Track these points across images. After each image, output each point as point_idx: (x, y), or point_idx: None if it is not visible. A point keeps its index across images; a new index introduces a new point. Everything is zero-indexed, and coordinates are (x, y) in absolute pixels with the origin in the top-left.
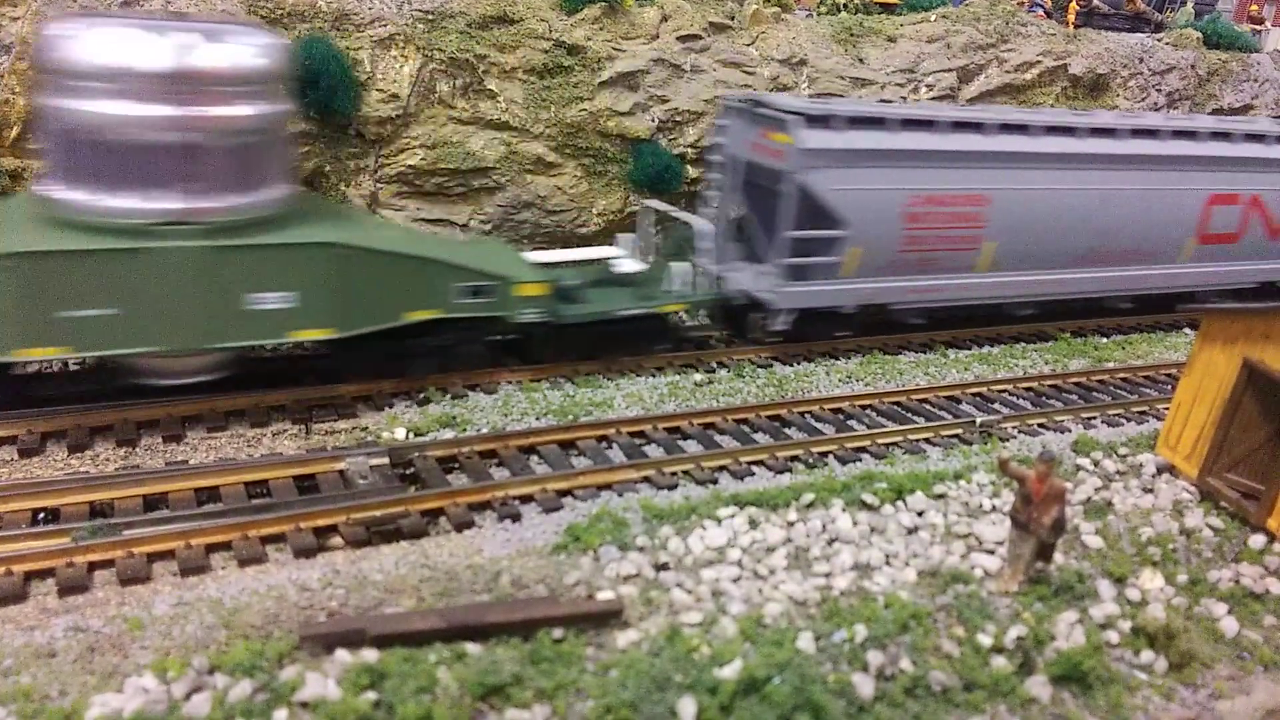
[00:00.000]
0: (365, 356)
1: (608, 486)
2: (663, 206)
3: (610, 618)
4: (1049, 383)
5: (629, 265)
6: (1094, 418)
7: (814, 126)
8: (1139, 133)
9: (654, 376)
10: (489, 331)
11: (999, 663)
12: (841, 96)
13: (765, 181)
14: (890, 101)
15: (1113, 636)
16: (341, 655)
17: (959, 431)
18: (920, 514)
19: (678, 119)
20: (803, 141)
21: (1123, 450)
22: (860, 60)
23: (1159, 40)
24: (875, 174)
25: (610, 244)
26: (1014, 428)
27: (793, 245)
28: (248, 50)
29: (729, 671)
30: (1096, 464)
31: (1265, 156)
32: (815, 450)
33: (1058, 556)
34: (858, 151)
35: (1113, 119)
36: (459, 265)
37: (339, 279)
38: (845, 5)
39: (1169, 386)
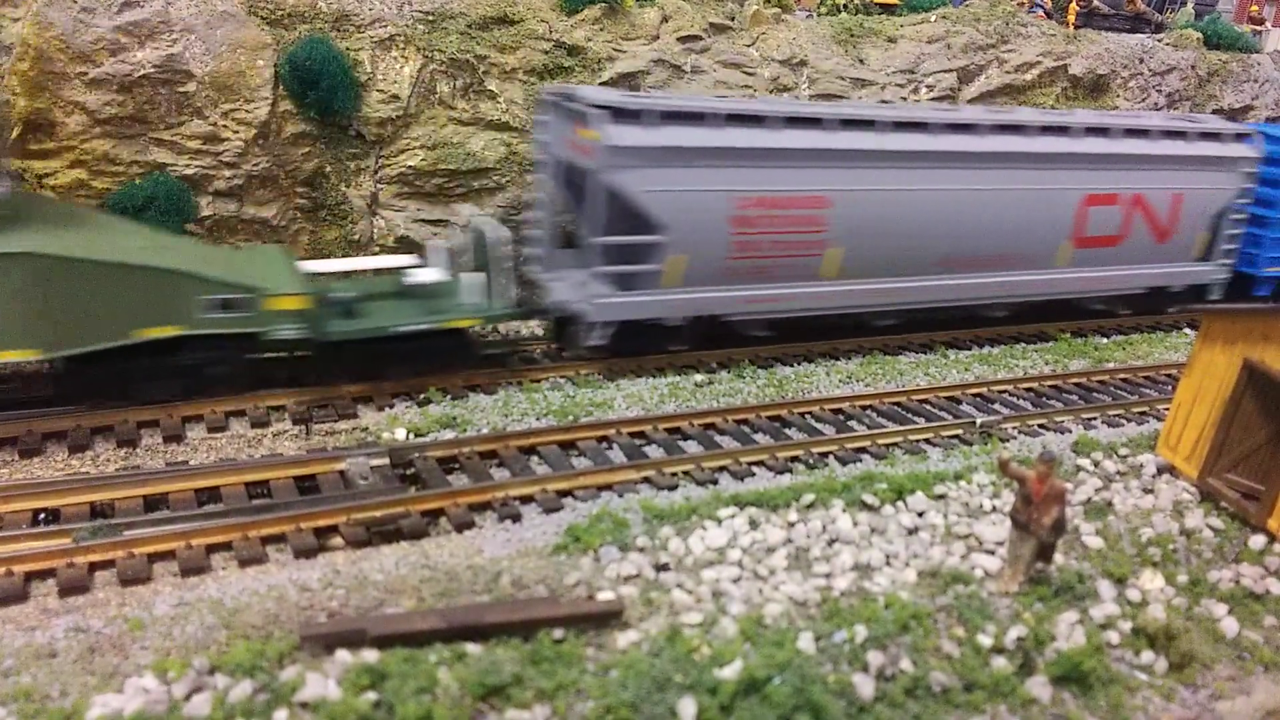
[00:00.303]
0: (94, 378)
1: (608, 487)
2: (469, 211)
3: (610, 618)
4: (1049, 383)
5: (428, 276)
6: (1094, 418)
7: (622, 121)
8: (1002, 128)
9: (654, 377)
10: (245, 350)
11: (999, 663)
12: (845, 97)
13: (580, 182)
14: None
15: (1113, 637)
16: (342, 655)
17: (959, 432)
18: (920, 514)
19: None
20: (609, 138)
21: (1123, 451)
22: (860, 61)
23: (1159, 41)
24: (696, 174)
25: (420, 251)
26: (1014, 428)
27: (604, 252)
28: None
29: (729, 672)
30: (1097, 464)
31: (1147, 153)
32: (815, 451)
33: (1058, 557)
34: (674, 149)
35: (975, 114)
36: (199, 276)
37: (39, 293)
38: (845, 6)
39: (1169, 387)
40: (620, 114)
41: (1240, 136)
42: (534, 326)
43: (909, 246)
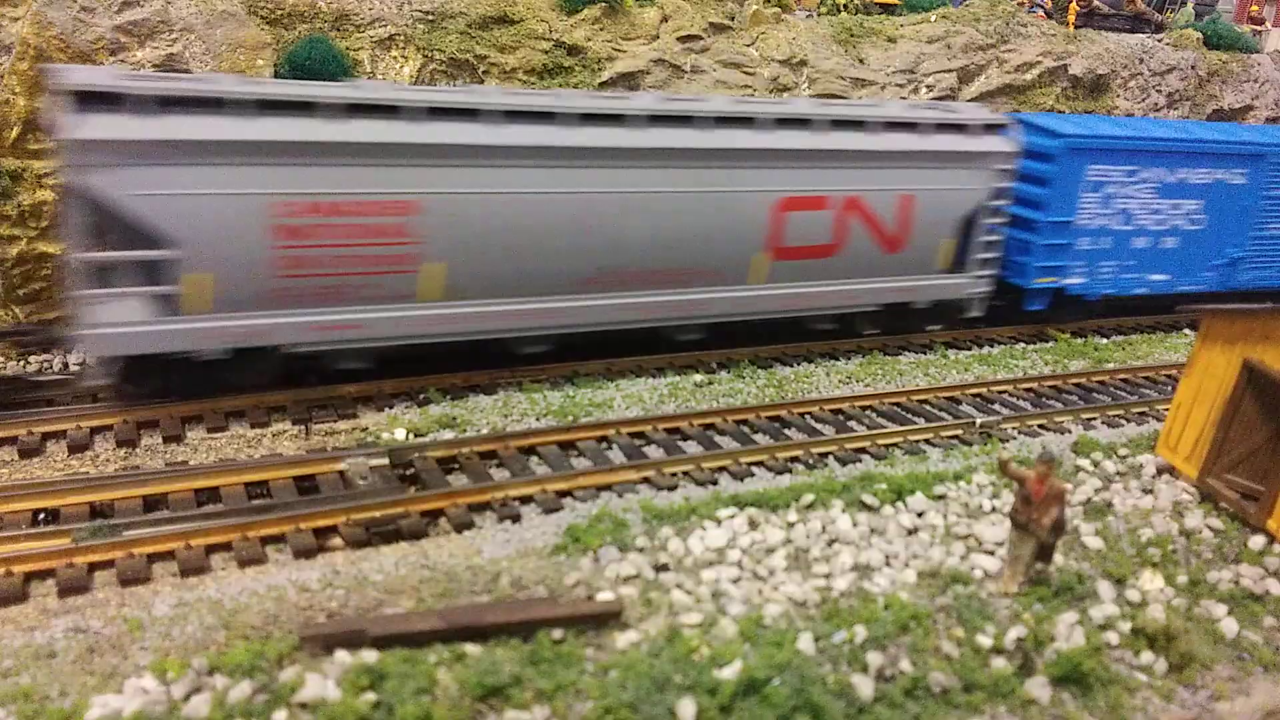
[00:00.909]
0: None
1: (608, 487)
2: None
3: (610, 618)
4: (1049, 383)
5: None
6: (1094, 419)
7: (94, 109)
8: (662, 120)
9: (654, 378)
10: None
11: (999, 664)
12: (845, 97)
13: None
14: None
15: (1112, 637)
16: (341, 656)
17: (959, 432)
18: (920, 515)
19: None
20: (75, 129)
21: (1123, 451)
22: (860, 61)
23: (1159, 41)
24: (214, 174)
25: None
26: (1014, 428)
27: (86, 271)
28: None
29: (729, 672)
30: (1096, 465)
31: (863, 149)
32: (815, 451)
33: (1057, 557)
34: (178, 143)
35: (629, 103)
36: None
37: None
38: (845, 6)
39: (1169, 387)
40: (92, 99)
41: (992, 128)
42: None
43: (543, 261)
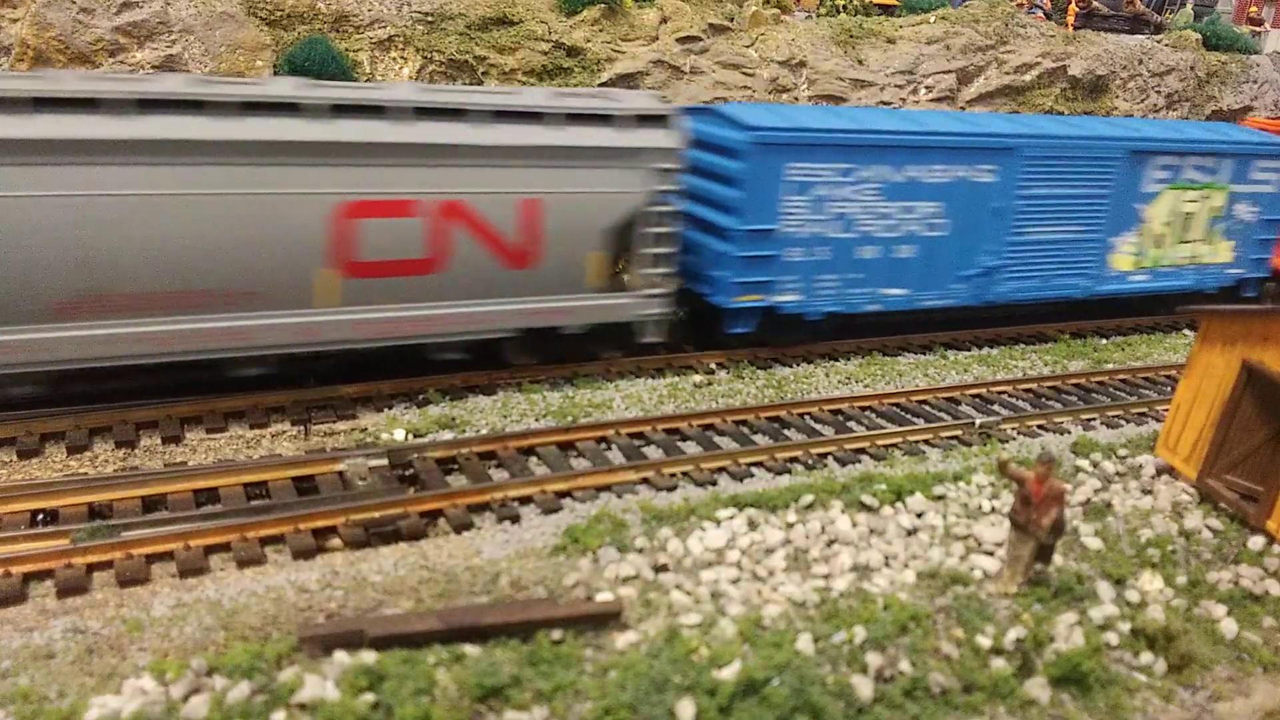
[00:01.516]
0: None
1: (607, 488)
2: None
3: (609, 619)
4: (1048, 384)
5: None
6: (1093, 419)
7: None
8: (155, 106)
9: (653, 378)
10: None
11: (998, 664)
12: (844, 99)
13: None
14: None
15: (1112, 638)
16: (340, 657)
17: (958, 433)
18: (919, 515)
19: None
20: None
21: (1122, 452)
22: (860, 62)
23: (1158, 42)
24: None
25: None
26: (1013, 429)
27: None
28: None
29: (728, 673)
30: (1096, 465)
31: (464, 143)
32: (814, 452)
33: (1057, 558)
34: None
35: (108, 86)
36: None
37: None
38: (844, 7)
39: (1168, 388)
40: None
41: (649, 119)
42: None
43: None
